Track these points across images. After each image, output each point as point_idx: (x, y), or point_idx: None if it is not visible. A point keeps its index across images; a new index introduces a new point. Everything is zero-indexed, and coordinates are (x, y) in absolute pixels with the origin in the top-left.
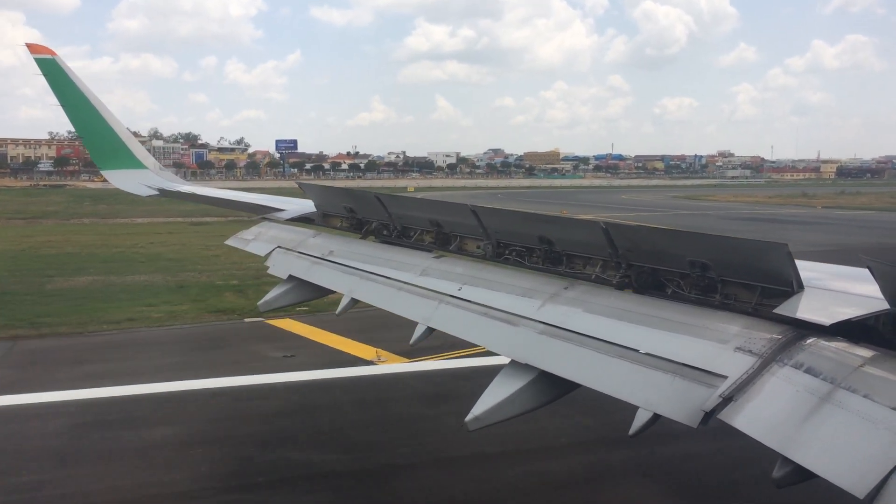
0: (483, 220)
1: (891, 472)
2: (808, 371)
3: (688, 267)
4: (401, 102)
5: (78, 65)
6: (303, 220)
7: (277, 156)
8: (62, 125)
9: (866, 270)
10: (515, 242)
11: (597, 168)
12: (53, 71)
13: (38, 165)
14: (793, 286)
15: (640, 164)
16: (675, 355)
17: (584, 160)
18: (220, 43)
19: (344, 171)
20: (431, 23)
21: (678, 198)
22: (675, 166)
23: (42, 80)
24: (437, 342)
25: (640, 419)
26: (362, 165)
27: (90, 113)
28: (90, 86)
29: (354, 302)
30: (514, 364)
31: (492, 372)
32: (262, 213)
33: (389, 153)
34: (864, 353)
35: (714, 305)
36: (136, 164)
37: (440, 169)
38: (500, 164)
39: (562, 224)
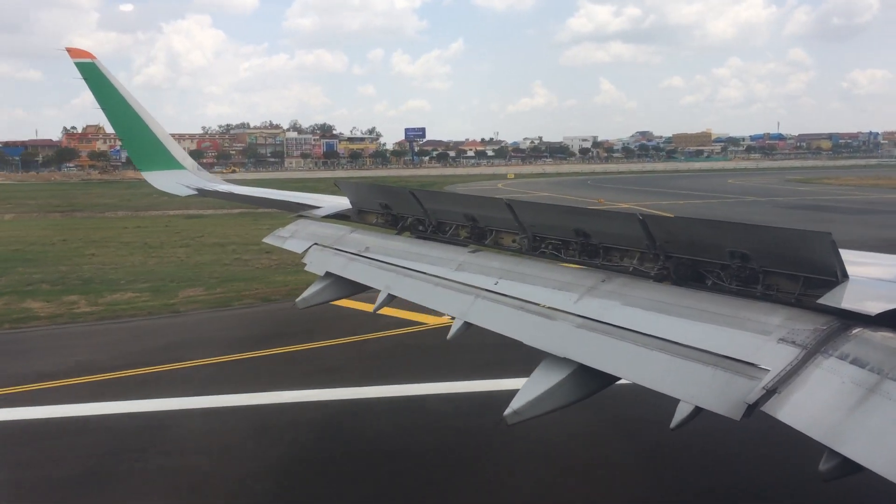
0: (518, 213)
1: None
2: (854, 362)
3: (728, 258)
4: (563, 86)
5: (257, 62)
6: (339, 217)
7: (407, 145)
8: (224, 119)
9: None
10: (551, 236)
11: (749, 149)
12: (94, 75)
13: None
14: (837, 276)
15: (801, 144)
16: (716, 347)
17: (737, 141)
18: (387, 36)
19: (470, 158)
20: (595, 3)
21: (791, 181)
22: (846, 145)
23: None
24: None
25: (682, 412)
26: (489, 152)
27: (129, 115)
28: (265, 81)
29: (391, 298)
30: (552, 358)
31: None
32: (298, 211)
33: (525, 139)
34: None
35: (755, 297)
36: (175, 164)
37: (573, 154)
38: (637, 148)
39: (598, 216)
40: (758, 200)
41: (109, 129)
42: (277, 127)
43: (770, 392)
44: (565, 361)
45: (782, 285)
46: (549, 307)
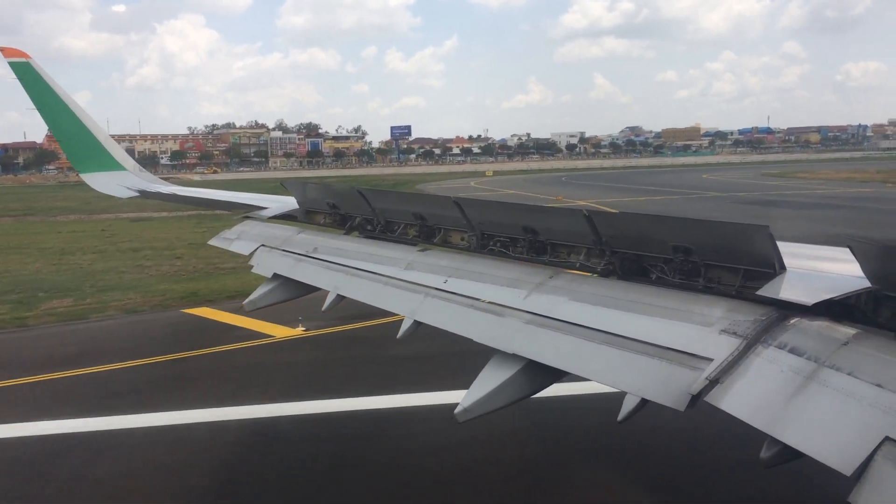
0: (467, 211)
1: (877, 449)
2: (793, 351)
3: (671, 252)
4: (558, 82)
5: (250, 62)
6: (286, 217)
7: (394, 143)
8: (219, 118)
9: (847, 250)
10: (500, 233)
11: (737, 143)
12: (28, 74)
13: (161, 159)
14: (775, 268)
15: (789, 138)
16: (660, 340)
17: (725, 135)
18: (380, 33)
19: (456, 155)
20: None
21: (766, 175)
22: (835, 138)
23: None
24: None
25: (628, 405)
26: (475, 149)
27: (66, 115)
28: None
29: (340, 298)
30: (501, 354)
31: None
32: (244, 212)
33: (512, 135)
34: (847, 331)
35: (698, 289)
36: (115, 165)
37: (560, 150)
38: (624, 143)
39: (545, 213)
40: (719, 196)
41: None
42: (262, 126)
43: (713, 382)
44: (514, 357)
45: (723, 278)
46: (498, 304)
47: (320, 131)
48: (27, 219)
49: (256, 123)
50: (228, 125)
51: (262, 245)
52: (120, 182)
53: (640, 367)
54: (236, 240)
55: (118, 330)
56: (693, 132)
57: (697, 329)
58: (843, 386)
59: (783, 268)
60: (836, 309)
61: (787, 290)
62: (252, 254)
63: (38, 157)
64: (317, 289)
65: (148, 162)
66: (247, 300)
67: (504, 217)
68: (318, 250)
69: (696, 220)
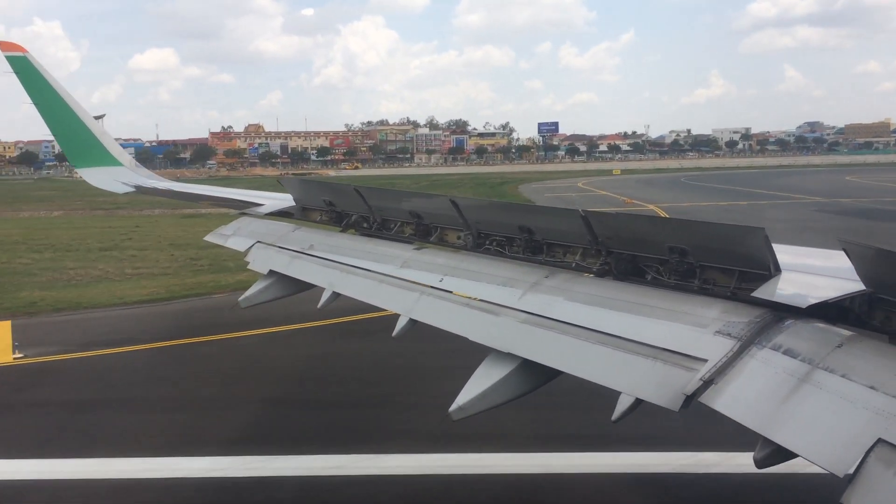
0: (463, 210)
1: (870, 451)
2: (787, 353)
3: (667, 253)
4: (742, 75)
5: (426, 60)
6: (282, 214)
7: (540, 139)
8: (394, 116)
9: (842, 253)
10: (496, 232)
11: None
12: (25, 69)
13: (311, 156)
14: (770, 269)
15: None
16: (655, 340)
17: None
18: (554, 28)
19: (604, 153)
20: None
21: None
22: None
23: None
24: None
25: (623, 404)
26: (624, 147)
27: (63, 111)
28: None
29: (336, 296)
30: (496, 353)
31: None
32: (240, 209)
33: (670, 131)
34: (842, 333)
35: (693, 290)
36: (112, 161)
37: (720, 148)
38: (794, 140)
39: (542, 213)
40: (813, 202)
41: (269, 128)
42: (412, 123)
43: (707, 383)
44: (510, 356)
45: (718, 279)
46: (493, 303)
47: (467, 128)
48: (116, 213)
49: (408, 120)
50: (382, 122)
51: (258, 241)
52: (116, 177)
53: (634, 367)
54: (232, 236)
55: None
56: (881, 128)
57: (692, 330)
58: (836, 388)
59: (778, 270)
60: (830, 311)
61: (782, 291)
62: (248, 250)
63: (197, 152)
64: (312, 286)
65: (297, 158)
66: (242, 297)
67: (500, 216)
68: (314, 247)
69: (691, 221)
